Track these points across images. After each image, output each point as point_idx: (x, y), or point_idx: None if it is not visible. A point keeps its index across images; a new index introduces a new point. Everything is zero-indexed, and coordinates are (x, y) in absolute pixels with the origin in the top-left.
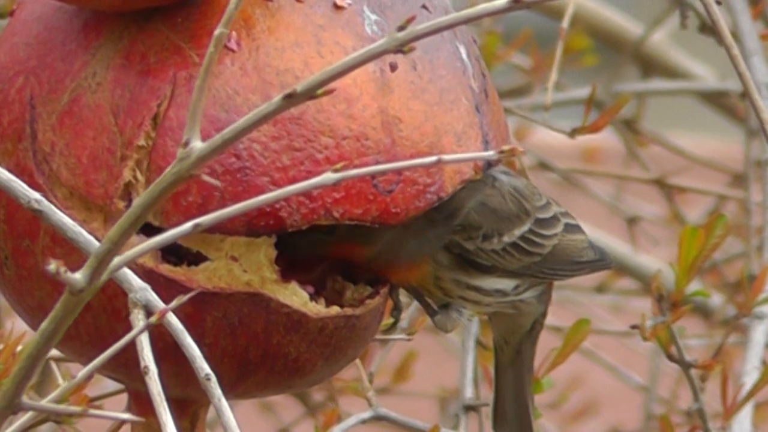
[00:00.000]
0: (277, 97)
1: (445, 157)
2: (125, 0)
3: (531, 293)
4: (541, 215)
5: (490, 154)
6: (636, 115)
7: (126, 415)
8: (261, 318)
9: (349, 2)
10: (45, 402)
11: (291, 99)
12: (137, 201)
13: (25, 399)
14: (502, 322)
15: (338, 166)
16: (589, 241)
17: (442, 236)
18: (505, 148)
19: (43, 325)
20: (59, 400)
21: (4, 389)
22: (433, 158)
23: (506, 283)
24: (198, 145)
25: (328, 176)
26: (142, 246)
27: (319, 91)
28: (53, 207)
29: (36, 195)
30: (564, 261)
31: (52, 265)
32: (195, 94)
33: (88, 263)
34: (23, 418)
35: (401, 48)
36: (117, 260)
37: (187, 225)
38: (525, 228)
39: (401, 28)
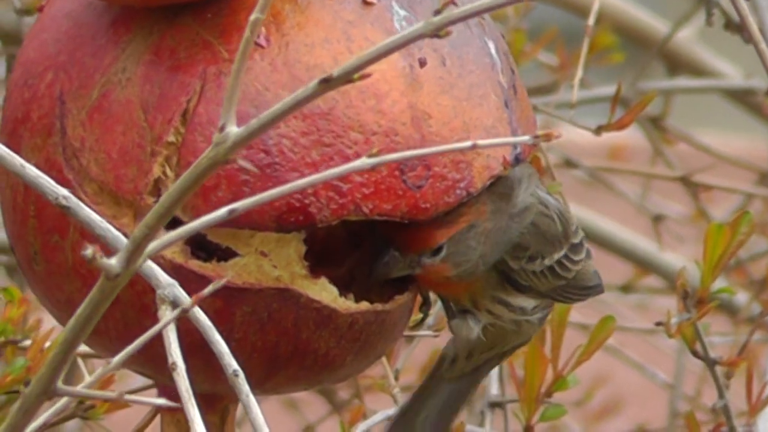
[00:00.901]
0: (312, 82)
1: (480, 141)
2: None
3: (539, 315)
4: (575, 240)
5: (526, 138)
6: (662, 113)
7: (161, 401)
8: (291, 313)
9: None
10: (80, 387)
11: (327, 84)
12: (173, 186)
13: (60, 385)
14: (490, 337)
15: (374, 151)
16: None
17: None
18: (540, 132)
19: (79, 310)
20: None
21: (39, 375)
22: (468, 143)
23: (530, 302)
24: (234, 129)
25: (363, 161)
26: (179, 231)
27: (356, 76)
28: (81, 203)
29: (64, 191)
30: (580, 285)
31: (89, 251)
32: (231, 80)
33: (125, 248)
34: (57, 405)
35: (437, 32)
36: (152, 245)
37: (222, 210)
38: (562, 252)
39: (437, 12)
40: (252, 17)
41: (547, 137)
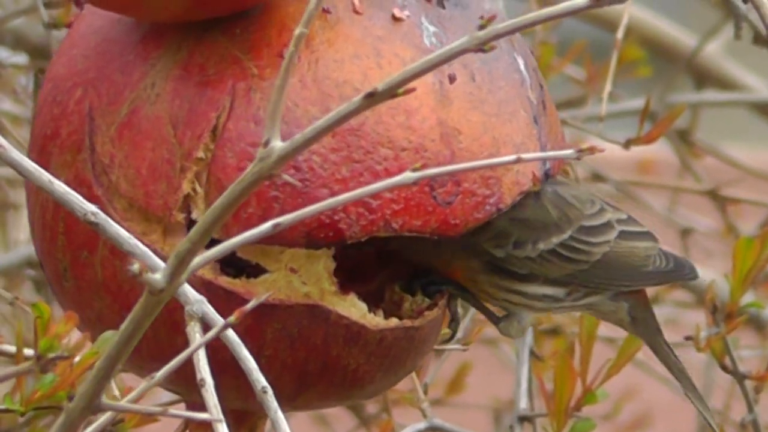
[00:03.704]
0: (357, 97)
1: (524, 156)
2: (184, 11)
3: (596, 299)
4: (590, 222)
5: (569, 153)
6: (690, 127)
7: (204, 415)
8: (320, 330)
9: (408, 14)
10: (124, 402)
11: (372, 98)
12: (218, 201)
13: (104, 399)
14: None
15: (417, 165)
16: (662, 250)
17: (470, 245)
18: (584, 146)
19: (123, 325)
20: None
21: (82, 390)
22: (512, 157)
23: (555, 291)
24: (278, 144)
25: (408, 175)
26: (221, 246)
27: (400, 90)
28: (109, 219)
29: (92, 207)
30: (621, 269)
31: (135, 266)
32: (274, 95)
33: (169, 263)
34: (101, 419)
35: (482, 47)
36: (197, 260)
37: (267, 225)
38: (565, 236)
39: (482, 27)
40: (296, 31)
41: (592, 150)
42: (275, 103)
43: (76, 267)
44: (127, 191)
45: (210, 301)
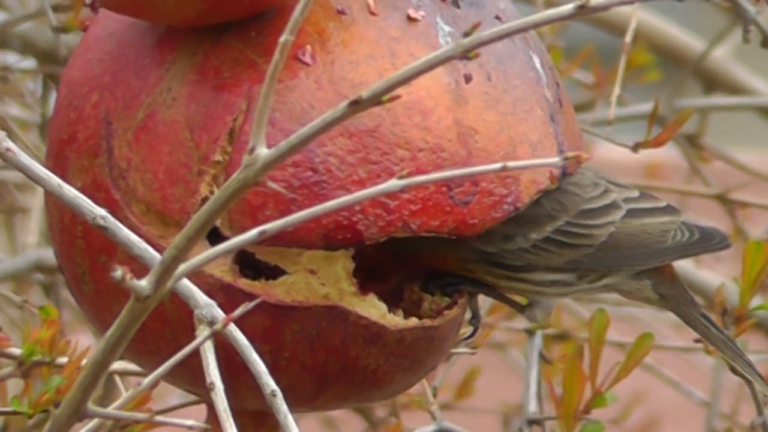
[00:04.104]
0: (342, 104)
1: (510, 164)
2: (198, 15)
3: (615, 279)
4: (589, 206)
5: (555, 161)
6: (698, 131)
7: (190, 422)
8: (339, 331)
9: (423, 14)
10: (110, 409)
11: (357, 105)
12: (203, 208)
13: (90, 406)
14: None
15: (404, 172)
16: (685, 223)
17: (460, 242)
18: (570, 154)
19: (109, 332)
20: (124, 409)
21: (69, 396)
22: (498, 165)
23: (563, 276)
24: (263, 151)
25: (394, 183)
26: (206, 253)
27: (385, 98)
28: (119, 223)
29: (102, 212)
30: (632, 248)
31: (118, 272)
32: (260, 101)
33: (154, 270)
34: (88, 426)
35: (467, 54)
36: (182, 267)
37: (253, 232)
38: (560, 222)
39: (467, 34)
40: (282, 39)
41: (578, 159)
42: (261, 110)
43: (94, 271)
44: (145, 195)
45: (228, 304)
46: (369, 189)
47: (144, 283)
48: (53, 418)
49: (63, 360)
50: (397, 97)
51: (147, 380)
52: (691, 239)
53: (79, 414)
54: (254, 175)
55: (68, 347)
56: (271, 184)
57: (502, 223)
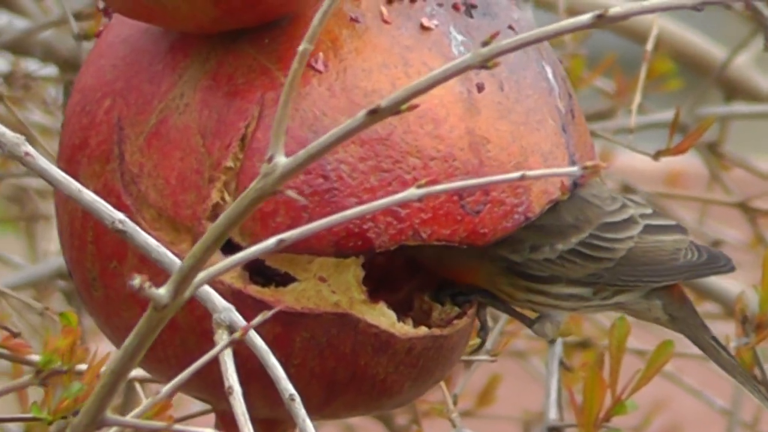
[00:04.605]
0: (360, 113)
1: (529, 173)
2: (212, 21)
3: (627, 297)
4: (611, 219)
5: (573, 170)
6: (719, 139)
7: (208, 430)
8: (349, 339)
9: (436, 23)
10: (129, 417)
11: (375, 115)
12: (221, 217)
13: (108, 414)
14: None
15: (422, 182)
16: (693, 244)
17: (486, 252)
18: (588, 163)
19: (127, 341)
20: (142, 417)
21: (87, 405)
22: (517, 174)
23: (581, 290)
24: (282, 160)
25: (412, 192)
26: (225, 262)
27: (403, 107)
28: (137, 228)
29: (120, 216)
30: (648, 264)
31: (136, 280)
32: (279, 111)
33: (172, 279)
34: None
35: (485, 63)
36: (201, 276)
37: (271, 240)
38: (584, 234)
39: (485, 44)
40: (300, 48)
41: (595, 169)
42: (280, 119)
43: (105, 276)
44: (156, 201)
45: (239, 310)
46: (387, 198)
47: (162, 292)
48: (71, 428)
49: (82, 367)
50: (416, 106)
51: (166, 388)
52: (700, 259)
53: (97, 423)
54: (272, 184)
55: (87, 355)
56: (289, 193)
57: (530, 232)
